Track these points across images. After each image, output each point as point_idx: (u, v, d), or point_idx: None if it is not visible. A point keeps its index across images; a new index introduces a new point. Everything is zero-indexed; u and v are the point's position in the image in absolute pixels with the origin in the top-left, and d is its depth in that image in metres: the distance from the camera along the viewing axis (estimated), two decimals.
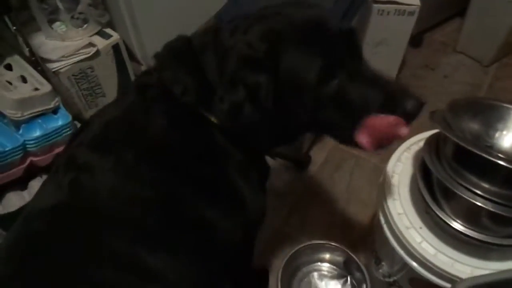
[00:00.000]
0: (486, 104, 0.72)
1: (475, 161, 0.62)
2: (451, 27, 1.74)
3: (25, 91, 0.87)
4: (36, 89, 0.88)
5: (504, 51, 1.59)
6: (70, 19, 1.17)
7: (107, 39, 1.23)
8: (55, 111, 0.92)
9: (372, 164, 1.32)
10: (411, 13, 1.25)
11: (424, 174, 0.73)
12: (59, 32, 1.18)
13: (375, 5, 1.23)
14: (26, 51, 0.94)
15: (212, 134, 0.60)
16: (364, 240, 1.14)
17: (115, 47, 1.25)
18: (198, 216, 0.58)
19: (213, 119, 0.60)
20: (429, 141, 0.72)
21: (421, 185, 0.72)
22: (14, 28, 0.89)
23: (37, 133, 0.88)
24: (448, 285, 0.73)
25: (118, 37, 1.25)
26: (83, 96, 1.25)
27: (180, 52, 0.63)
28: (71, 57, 1.15)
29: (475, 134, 0.70)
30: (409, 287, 0.86)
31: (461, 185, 0.64)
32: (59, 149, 0.90)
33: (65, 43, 1.18)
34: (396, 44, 1.36)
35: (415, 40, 1.61)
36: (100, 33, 1.24)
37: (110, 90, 1.33)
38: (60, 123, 0.89)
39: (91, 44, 1.19)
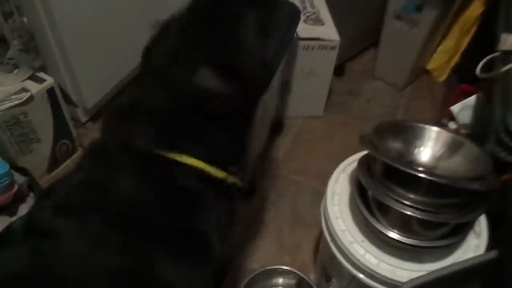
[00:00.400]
0: (405, 125, 0.83)
1: (401, 176, 0.71)
2: (367, 57, 1.93)
3: None
4: None
5: (415, 76, 1.80)
6: (0, 65, 1.13)
7: (40, 83, 1.20)
8: None
9: (312, 188, 1.41)
10: (332, 48, 1.39)
11: (360, 191, 0.81)
12: None
13: (301, 42, 1.35)
14: None
15: (176, 178, 0.59)
16: (312, 261, 1.21)
17: (50, 91, 1.22)
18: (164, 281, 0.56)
19: (172, 155, 0.59)
20: (361, 162, 0.81)
21: (358, 201, 0.80)
22: None
23: None
24: None
25: (53, 80, 1.23)
26: (16, 143, 1.20)
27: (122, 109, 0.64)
28: (2, 103, 1.11)
29: (398, 152, 0.81)
30: None
31: (392, 198, 0.73)
32: (2, 201, 0.87)
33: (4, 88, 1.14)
34: (322, 75, 1.49)
35: (338, 70, 1.76)
36: (33, 78, 1.21)
37: (45, 135, 1.28)
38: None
39: (24, 90, 1.15)
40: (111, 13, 1.39)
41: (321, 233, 1.27)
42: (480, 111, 1.26)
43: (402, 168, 0.68)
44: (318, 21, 1.43)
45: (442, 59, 1.80)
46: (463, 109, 1.31)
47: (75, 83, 1.35)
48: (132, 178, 0.58)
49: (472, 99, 1.30)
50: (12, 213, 0.92)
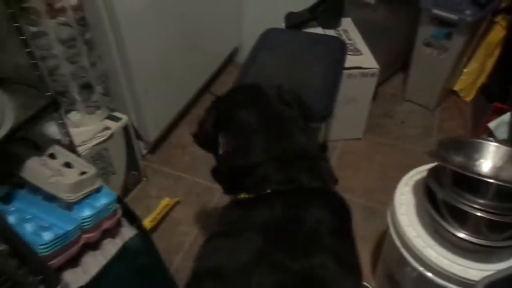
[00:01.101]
0: (465, 141, 0.95)
1: (470, 183, 0.82)
2: (396, 81, 2.07)
3: (73, 175, 0.96)
4: (83, 172, 0.97)
5: (443, 97, 1.93)
6: (85, 108, 1.28)
7: (117, 121, 1.35)
8: (98, 189, 1.00)
9: (361, 205, 1.51)
10: (373, 75, 1.53)
11: (429, 200, 0.91)
12: (73, 121, 1.28)
13: (345, 71, 1.49)
14: (67, 140, 1.04)
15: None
16: (370, 271, 1.30)
17: (125, 128, 1.37)
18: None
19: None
20: (429, 174, 0.92)
21: (429, 208, 0.90)
22: (60, 121, 1.00)
23: (88, 212, 0.95)
24: None
25: (127, 118, 1.37)
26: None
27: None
28: (90, 141, 1.25)
29: (461, 165, 0.92)
30: None
31: (463, 202, 0.84)
32: (107, 225, 0.98)
33: (80, 129, 1.28)
34: (362, 100, 1.62)
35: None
36: (110, 117, 1.36)
37: (120, 167, 1.42)
38: (106, 200, 0.98)
39: (106, 128, 1.30)
40: (175, 54, 1.56)
41: (377, 245, 1.38)
42: None
43: (473, 175, 0.79)
44: (357, 51, 1.57)
45: (469, 80, 1.93)
46: (500, 125, 1.42)
47: (141, 119, 1.49)
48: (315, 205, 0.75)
49: (507, 116, 1.41)
50: (116, 235, 1.03)
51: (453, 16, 1.54)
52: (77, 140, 1.22)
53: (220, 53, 2.01)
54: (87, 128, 1.29)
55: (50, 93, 0.94)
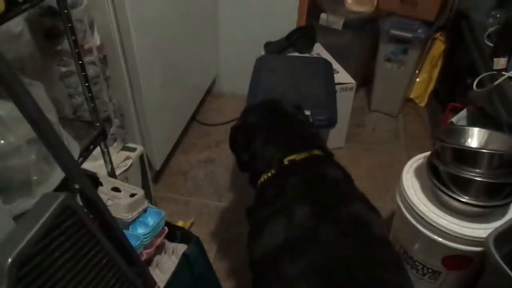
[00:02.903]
0: (453, 128, 1.17)
1: (467, 157, 1.03)
2: (361, 94, 2.33)
3: (126, 197, 1.03)
4: (133, 194, 1.05)
5: (404, 104, 2.22)
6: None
7: (133, 151, 1.42)
8: (145, 209, 1.08)
9: None
10: (351, 88, 1.75)
11: (434, 176, 1.11)
12: (94, 154, 1.34)
13: None
14: (109, 167, 1.11)
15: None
16: None
17: (141, 158, 1.45)
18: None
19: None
20: (432, 156, 1.12)
21: (436, 182, 1.10)
22: (106, 150, 1.07)
23: (143, 229, 1.02)
24: (475, 248, 1.09)
25: (142, 148, 1.45)
26: None
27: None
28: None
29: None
30: (442, 267, 1.20)
31: (465, 173, 1.04)
32: (159, 241, 1.05)
33: (98, 162, 1.34)
34: (343, 112, 1.83)
35: None
36: (125, 148, 1.43)
37: None
38: (157, 218, 1.05)
39: (127, 158, 1.37)
40: (171, 88, 1.68)
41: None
42: (474, 119, 1.64)
43: (473, 149, 1.00)
44: (334, 70, 1.80)
45: (421, 88, 2.25)
46: (460, 120, 1.69)
47: (150, 148, 1.58)
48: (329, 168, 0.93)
49: (464, 112, 1.69)
50: (163, 250, 1.10)
51: (408, 35, 1.84)
52: (101, 172, 1.29)
53: (202, 84, 2.16)
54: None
55: (99, 123, 1.02)
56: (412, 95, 2.26)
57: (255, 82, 1.41)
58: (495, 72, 1.36)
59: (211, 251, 1.51)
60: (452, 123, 1.69)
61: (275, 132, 1.02)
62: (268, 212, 0.89)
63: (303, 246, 0.77)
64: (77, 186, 0.62)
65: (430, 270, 1.23)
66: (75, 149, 0.90)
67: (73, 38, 0.89)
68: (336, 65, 1.83)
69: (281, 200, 0.88)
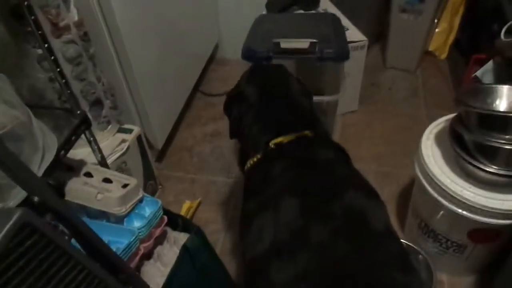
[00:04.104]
0: (479, 87, 1.03)
1: (495, 122, 0.90)
2: (375, 51, 2.16)
3: (118, 189, 0.95)
4: (126, 184, 0.97)
5: (422, 58, 2.04)
6: (98, 125, 1.26)
7: (130, 133, 1.34)
8: (141, 199, 1.00)
9: (373, 171, 1.58)
10: (362, 47, 1.60)
11: (457, 145, 0.99)
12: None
13: None
14: (99, 156, 1.02)
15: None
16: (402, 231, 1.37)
17: (139, 139, 1.36)
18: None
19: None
20: (455, 122, 0.99)
21: (460, 152, 0.98)
22: (92, 139, 0.99)
23: (139, 222, 0.95)
24: (505, 221, 0.98)
25: (139, 129, 1.36)
26: None
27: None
28: (110, 156, 1.24)
29: (483, 108, 0.99)
30: (467, 241, 1.10)
31: (493, 140, 0.91)
32: (158, 232, 0.99)
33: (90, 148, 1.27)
34: (355, 73, 1.69)
35: None
36: (121, 130, 1.34)
37: (138, 179, 1.39)
38: (153, 208, 0.98)
39: (123, 141, 1.29)
40: (168, 59, 1.56)
41: (400, 205, 1.45)
42: (501, 71, 1.47)
43: (501, 113, 0.87)
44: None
45: (441, 39, 2.05)
46: (485, 73, 1.53)
47: (149, 127, 1.49)
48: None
49: (490, 64, 1.52)
50: (164, 241, 1.04)
51: None
52: (96, 158, 1.21)
53: (203, 51, 2.02)
54: (102, 144, 1.27)
55: (80, 111, 0.93)
56: (431, 48, 2.07)
57: (254, 29, 1.29)
58: None
59: (221, 231, 1.44)
60: (476, 77, 1.52)
61: (265, 110, 0.91)
62: (254, 205, 0.80)
63: (292, 250, 0.67)
64: (36, 199, 0.53)
65: (454, 244, 1.14)
66: (52, 143, 0.81)
67: (32, 17, 0.77)
68: (345, 22, 1.66)
69: (267, 191, 0.77)
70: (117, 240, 0.90)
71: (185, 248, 0.93)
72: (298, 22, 1.36)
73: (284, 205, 0.71)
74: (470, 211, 1.00)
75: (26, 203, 0.54)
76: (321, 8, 1.75)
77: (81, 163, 1.02)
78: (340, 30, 1.34)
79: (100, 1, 1.16)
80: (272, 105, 0.92)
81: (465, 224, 1.05)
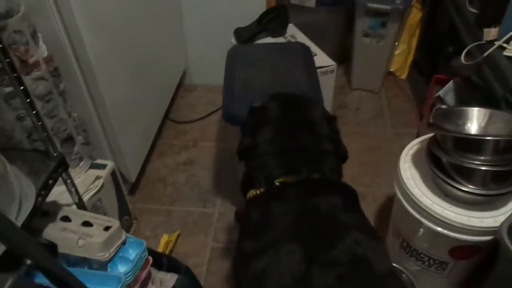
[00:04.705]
0: (450, 110, 1.08)
1: (470, 144, 0.94)
2: (339, 73, 2.22)
3: (100, 233, 0.90)
4: (108, 227, 0.92)
5: (385, 79, 2.12)
6: (70, 162, 1.20)
7: (104, 169, 1.28)
8: (124, 242, 0.95)
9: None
10: (331, 71, 1.64)
11: (434, 166, 1.03)
12: None
13: None
14: (76, 198, 0.97)
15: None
16: None
17: (113, 174, 1.31)
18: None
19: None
20: (431, 144, 1.03)
21: (438, 173, 1.01)
22: (70, 181, 0.93)
23: (125, 266, 0.90)
24: (484, 238, 1.02)
25: (113, 163, 1.31)
26: None
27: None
28: (84, 194, 1.17)
29: (455, 131, 1.04)
30: (449, 258, 1.13)
31: (469, 162, 0.95)
32: (144, 275, 0.94)
33: (63, 187, 1.20)
34: (326, 96, 1.72)
35: None
36: (94, 166, 1.28)
37: (113, 216, 1.35)
38: (138, 250, 0.93)
39: (97, 178, 1.23)
40: (137, 90, 1.53)
41: (379, 222, 1.48)
42: (462, 91, 1.56)
43: (477, 137, 0.91)
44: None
45: (401, 60, 2.15)
46: (447, 93, 1.61)
47: (122, 160, 1.43)
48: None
49: (451, 84, 1.61)
50: (147, 283, 0.99)
51: (386, 7, 1.72)
52: (69, 199, 1.15)
53: (172, 79, 2.00)
54: (75, 182, 1.21)
55: (56, 153, 0.88)
56: (392, 68, 2.17)
57: (229, 77, 1.27)
58: (483, 42, 1.27)
59: (203, 265, 1.40)
60: (439, 97, 1.61)
61: (280, 143, 0.89)
62: (252, 246, 0.77)
63: None
64: (29, 262, 0.49)
65: (437, 261, 1.17)
66: (29, 190, 0.76)
67: (8, 60, 0.73)
68: (313, 47, 1.70)
69: (267, 234, 0.76)
70: None
71: None
72: (272, 65, 1.36)
73: (284, 250, 0.70)
74: (451, 230, 1.04)
75: (17, 266, 0.50)
76: (288, 34, 1.79)
77: (57, 206, 0.97)
78: (312, 70, 1.36)
79: (70, 35, 1.12)
80: (288, 139, 0.89)
81: (446, 242, 1.08)
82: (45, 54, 1.05)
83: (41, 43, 1.05)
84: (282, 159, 0.86)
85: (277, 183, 0.82)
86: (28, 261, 0.49)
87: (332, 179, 0.86)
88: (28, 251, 0.48)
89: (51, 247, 0.61)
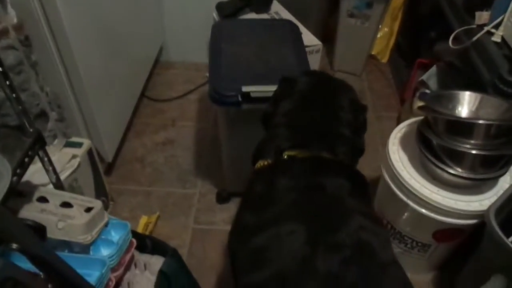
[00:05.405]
0: (441, 94, 1.07)
1: (462, 128, 0.94)
2: (322, 53, 2.19)
3: (81, 214, 0.84)
4: (89, 208, 0.86)
5: (367, 62, 2.11)
6: None
7: (80, 147, 1.21)
8: (106, 223, 0.90)
9: None
10: (317, 51, 1.60)
11: (425, 148, 1.02)
12: None
13: None
14: (54, 178, 0.90)
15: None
16: None
17: (90, 153, 1.23)
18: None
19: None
20: (423, 126, 1.02)
21: (428, 155, 1.01)
22: (47, 159, 0.86)
23: (108, 249, 0.85)
24: (470, 221, 1.04)
25: (89, 142, 1.24)
26: None
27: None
28: (60, 174, 1.10)
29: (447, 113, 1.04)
30: (432, 240, 1.15)
31: (460, 145, 0.95)
32: (128, 257, 0.89)
33: (39, 164, 1.12)
34: None
35: None
36: (69, 144, 1.21)
37: (89, 196, 1.27)
38: (122, 232, 0.88)
39: (73, 156, 1.16)
40: (114, 66, 1.44)
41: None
42: (445, 75, 1.57)
43: (469, 120, 0.91)
44: None
45: (382, 43, 2.14)
46: (430, 77, 1.62)
47: (99, 139, 1.36)
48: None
49: (434, 69, 1.61)
50: (129, 266, 0.94)
51: None
52: (43, 178, 1.07)
53: (149, 55, 1.91)
54: None
55: (33, 129, 0.81)
56: (373, 52, 2.16)
57: (215, 55, 1.21)
58: (473, 27, 1.27)
59: (184, 246, 1.36)
60: (422, 81, 1.61)
61: (298, 114, 0.86)
62: (253, 220, 0.74)
63: (298, 280, 0.63)
64: (15, 246, 0.44)
65: (419, 244, 1.18)
66: (5, 169, 0.69)
67: None
68: (299, 26, 1.66)
69: (269, 208, 0.72)
70: (85, 273, 0.79)
71: (162, 274, 0.85)
72: (260, 43, 1.30)
73: (286, 228, 0.67)
74: (438, 213, 1.04)
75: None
76: (272, 11, 1.73)
77: (32, 186, 0.90)
78: (301, 49, 1.31)
79: (42, 2, 1.02)
80: (306, 114, 0.86)
81: (431, 225, 1.09)
82: (15, 20, 0.95)
83: (9, 8, 0.95)
84: (295, 132, 0.83)
85: (286, 156, 0.79)
86: (14, 245, 0.43)
87: (343, 161, 0.83)
88: (14, 234, 0.43)
89: (39, 230, 0.55)
